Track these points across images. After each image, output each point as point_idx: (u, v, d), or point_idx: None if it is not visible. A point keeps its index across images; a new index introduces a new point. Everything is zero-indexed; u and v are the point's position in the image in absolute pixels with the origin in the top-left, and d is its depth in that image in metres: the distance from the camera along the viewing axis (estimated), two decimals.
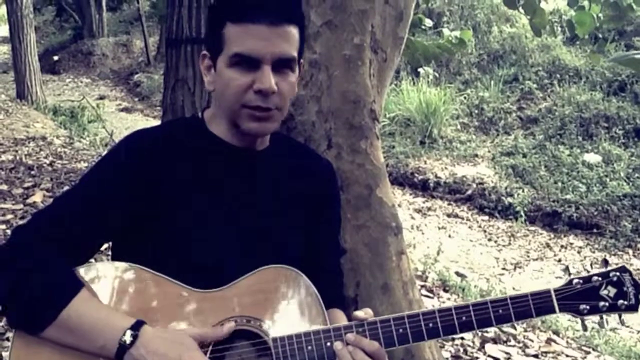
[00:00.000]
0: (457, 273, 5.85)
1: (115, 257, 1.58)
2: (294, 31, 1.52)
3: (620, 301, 1.52)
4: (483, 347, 3.87)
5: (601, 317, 1.55)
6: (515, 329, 4.21)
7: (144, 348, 1.35)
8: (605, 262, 1.57)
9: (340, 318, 1.67)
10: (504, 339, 4.04)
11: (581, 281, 1.54)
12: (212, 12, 1.60)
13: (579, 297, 1.52)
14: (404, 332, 1.49)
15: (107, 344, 1.36)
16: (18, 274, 1.40)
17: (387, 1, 2.52)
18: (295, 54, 1.53)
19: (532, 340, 4.17)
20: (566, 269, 1.59)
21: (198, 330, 1.42)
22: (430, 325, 1.49)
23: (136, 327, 1.37)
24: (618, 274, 1.53)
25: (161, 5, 15.14)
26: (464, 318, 1.50)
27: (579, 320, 1.55)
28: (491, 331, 4.04)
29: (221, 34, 1.50)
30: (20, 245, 1.45)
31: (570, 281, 1.54)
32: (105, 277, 1.47)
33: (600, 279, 1.54)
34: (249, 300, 1.49)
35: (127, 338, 1.35)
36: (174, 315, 1.45)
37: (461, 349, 3.79)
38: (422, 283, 4.96)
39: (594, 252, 6.97)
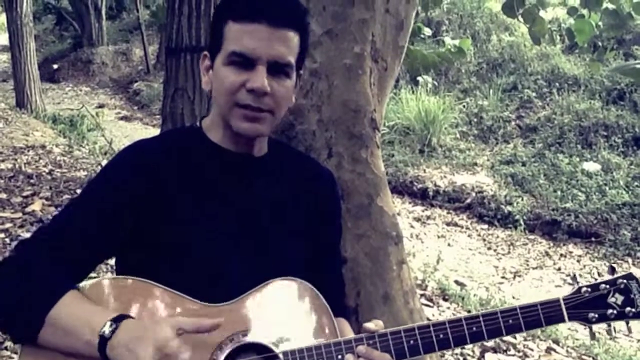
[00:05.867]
0: (456, 282, 5.84)
1: (119, 271, 1.58)
2: (294, 37, 1.52)
3: (628, 308, 1.52)
4: (483, 357, 3.86)
5: (609, 325, 1.54)
6: (515, 337, 4.20)
7: (121, 337, 1.31)
8: (612, 270, 1.57)
9: (346, 328, 1.67)
10: (504, 348, 4.04)
11: (589, 289, 1.53)
12: (216, 11, 1.60)
13: (588, 306, 1.52)
14: (414, 344, 1.48)
15: (91, 339, 1.33)
16: (16, 288, 1.40)
17: (387, 10, 2.53)
18: (292, 60, 1.52)
19: (532, 350, 4.16)
20: (574, 277, 1.58)
21: (178, 320, 1.37)
22: (441, 336, 1.49)
23: (118, 319, 1.34)
24: (625, 281, 1.53)
25: (161, 14, 15.17)
26: (474, 328, 1.50)
27: (584, 327, 1.55)
28: (491, 340, 4.03)
29: (221, 33, 1.51)
30: (21, 260, 1.45)
31: (579, 289, 1.53)
32: (111, 291, 1.46)
33: (607, 286, 1.53)
34: (259, 314, 1.48)
35: (107, 329, 1.32)
36: None
37: (461, 358, 3.79)
38: (422, 292, 4.95)
39: (593, 261, 6.96)
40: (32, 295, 1.39)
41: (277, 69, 1.50)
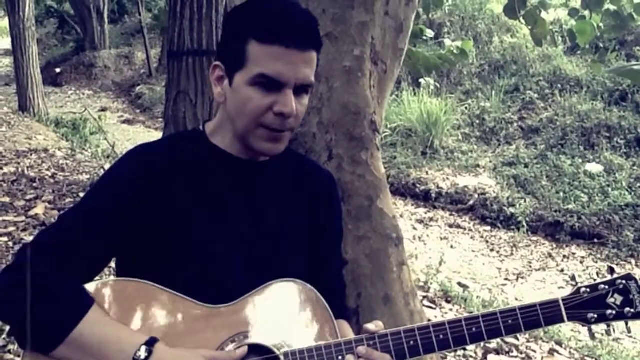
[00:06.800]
0: (459, 284, 5.84)
1: (120, 274, 1.58)
2: (315, 57, 1.52)
3: (627, 309, 1.53)
4: (485, 358, 3.86)
5: (608, 325, 1.55)
6: (517, 339, 4.20)
7: None
8: (611, 270, 1.58)
9: (346, 329, 1.67)
10: (507, 349, 4.03)
11: (588, 290, 1.54)
12: (234, 24, 1.56)
13: (587, 306, 1.53)
14: (414, 345, 1.50)
15: None
16: (26, 295, 1.38)
17: (387, 13, 2.53)
18: (313, 78, 1.53)
19: (534, 351, 4.16)
20: (573, 278, 1.59)
21: (212, 352, 1.42)
22: (441, 336, 1.50)
23: (151, 343, 1.37)
24: (624, 281, 1.54)
25: (163, 17, 15.21)
26: (474, 329, 1.51)
27: (586, 328, 1.56)
28: (494, 342, 4.02)
29: (244, 50, 1.47)
30: (27, 266, 1.43)
31: (578, 290, 1.54)
32: (114, 294, 1.46)
33: (606, 287, 1.54)
34: (260, 315, 1.49)
35: (142, 354, 1.35)
36: (185, 331, 1.45)
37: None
38: (425, 294, 4.95)
39: (596, 262, 6.96)
40: (52, 309, 1.38)
41: (301, 89, 1.50)
